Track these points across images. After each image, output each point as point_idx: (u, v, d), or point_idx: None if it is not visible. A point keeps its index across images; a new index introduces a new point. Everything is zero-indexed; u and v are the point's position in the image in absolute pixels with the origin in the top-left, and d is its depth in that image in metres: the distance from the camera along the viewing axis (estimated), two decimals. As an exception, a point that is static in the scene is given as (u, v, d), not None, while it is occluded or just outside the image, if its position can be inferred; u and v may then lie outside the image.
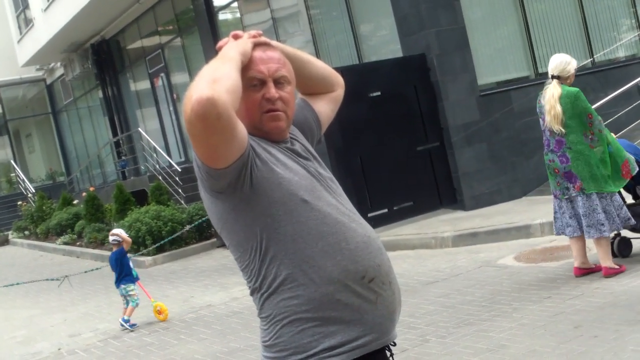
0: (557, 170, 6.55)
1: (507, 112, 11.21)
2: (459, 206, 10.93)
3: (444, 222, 10.17)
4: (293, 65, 2.41)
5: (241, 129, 2.12)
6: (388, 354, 2.31)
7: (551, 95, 6.42)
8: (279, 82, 2.29)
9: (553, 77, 6.50)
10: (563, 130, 6.37)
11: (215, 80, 2.04)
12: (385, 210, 10.75)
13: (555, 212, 6.71)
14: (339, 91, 2.64)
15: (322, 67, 2.57)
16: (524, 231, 8.80)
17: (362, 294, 2.21)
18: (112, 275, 12.04)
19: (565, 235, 6.63)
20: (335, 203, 2.27)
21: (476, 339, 5.50)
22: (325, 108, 2.60)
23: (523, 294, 6.46)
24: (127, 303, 8.38)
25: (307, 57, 2.53)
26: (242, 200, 2.19)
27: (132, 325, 8.24)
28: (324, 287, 2.17)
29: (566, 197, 6.53)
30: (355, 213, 2.33)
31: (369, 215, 10.15)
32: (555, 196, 6.68)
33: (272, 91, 2.26)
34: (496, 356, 5.06)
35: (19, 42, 24.36)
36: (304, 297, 2.18)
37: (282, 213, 2.19)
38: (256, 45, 2.31)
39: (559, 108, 6.34)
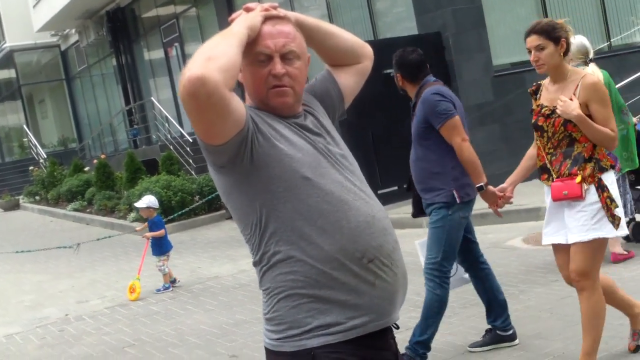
0: None
1: (520, 93, 11.10)
2: (469, 186, 10.87)
3: (454, 202, 10.12)
4: (315, 37, 2.36)
5: (236, 106, 2.10)
6: (390, 336, 2.29)
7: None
8: (286, 58, 2.24)
9: (591, 60, 6.39)
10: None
11: (210, 57, 2.03)
12: (395, 187, 10.72)
13: None
14: (366, 63, 2.57)
15: (347, 38, 2.50)
16: (533, 213, 8.76)
17: (360, 274, 2.18)
18: (121, 244, 11.97)
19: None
20: (341, 180, 2.24)
21: (481, 319, 5.50)
22: (350, 80, 2.53)
23: (530, 277, 6.46)
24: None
25: (331, 29, 2.47)
26: (243, 176, 2.19)
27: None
28: (320, 265, 2.16)
29: None
30: (365, 191, 2.28)
31: (379, 192, 10.12)
32: None
33: (278, 67, 2.22)
34: (500, 337, 5.06)
35: (34, 7, 24.31)
36: (301, 273, 2.17)
37: (282, 190, 2.18)
38: (267, 18, 2.26)
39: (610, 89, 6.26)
